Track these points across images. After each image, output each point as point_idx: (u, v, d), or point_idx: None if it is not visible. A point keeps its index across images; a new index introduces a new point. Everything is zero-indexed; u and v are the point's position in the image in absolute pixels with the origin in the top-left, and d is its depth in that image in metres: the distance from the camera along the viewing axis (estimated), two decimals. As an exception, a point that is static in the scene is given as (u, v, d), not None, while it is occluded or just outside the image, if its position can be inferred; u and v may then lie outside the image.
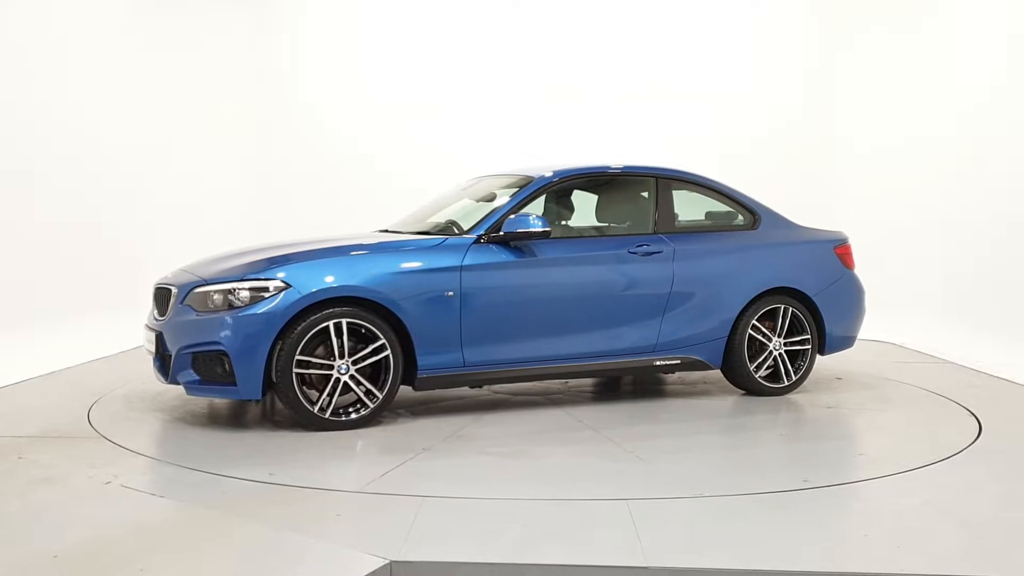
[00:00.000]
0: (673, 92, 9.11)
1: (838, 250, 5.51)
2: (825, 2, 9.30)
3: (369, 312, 4.36)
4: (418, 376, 4.50)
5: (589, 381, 5.68)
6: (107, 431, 4.31)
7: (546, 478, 3.60)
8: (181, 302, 4.42)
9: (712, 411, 4.90)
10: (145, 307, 4.87)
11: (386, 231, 5.30)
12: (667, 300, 4.97)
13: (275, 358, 4.23)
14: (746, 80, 9.18)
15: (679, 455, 3.98)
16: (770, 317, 5.23)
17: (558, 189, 5.21)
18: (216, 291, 4.33)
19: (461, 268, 4.54)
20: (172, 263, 5.17)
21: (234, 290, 4.29)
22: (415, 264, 4.50)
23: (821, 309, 5.29)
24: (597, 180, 5.42)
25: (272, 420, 4.61)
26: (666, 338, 5.00)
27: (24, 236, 6.73)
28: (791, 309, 5.22)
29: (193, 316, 4.34)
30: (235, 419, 4.65)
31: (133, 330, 7.35)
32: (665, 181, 5.27)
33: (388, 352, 4.38)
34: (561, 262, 4.83)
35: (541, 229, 4.62)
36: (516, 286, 4.69)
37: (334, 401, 4.32)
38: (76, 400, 5.03)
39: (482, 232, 4.70)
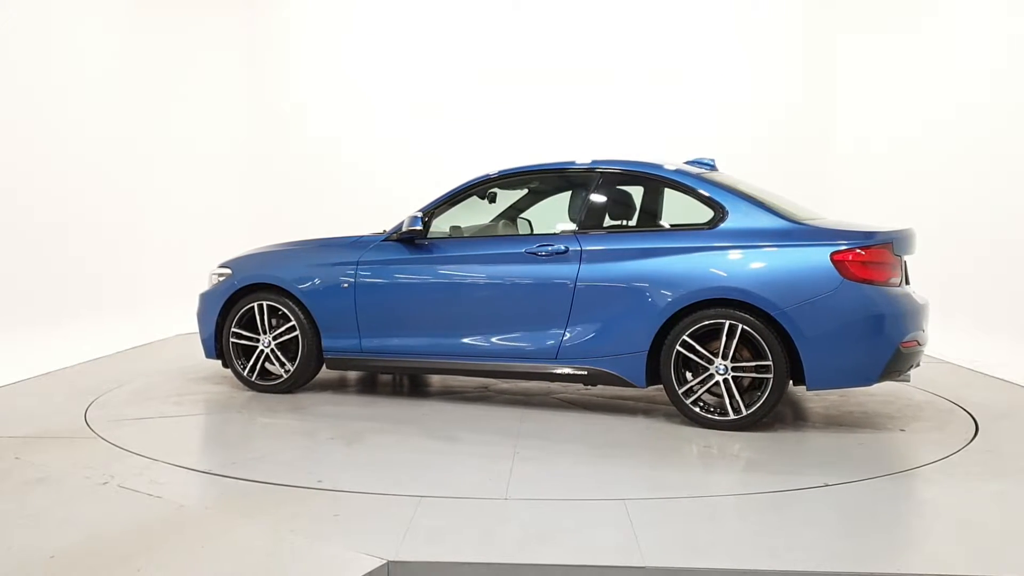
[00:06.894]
0: (670, 90, 9.13)
1: (838, 256, 4.18)
2: (822, 1, 9.33)
3: (286, 298, 5.15)
4: (325, 356, 5.13)
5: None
6: (104, 431, 4.31)
7: (541, 478, 3.60)
8: (208, 280, 5.58)
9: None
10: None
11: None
12: (570, 305, 4.58)
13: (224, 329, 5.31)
14: (743, 78, 9.19)
15: (677, 456, 3.99)
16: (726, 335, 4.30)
17: (499, 188, 5.19)
18: (210, 274, 5.55)
19: (357, 263, 5.06)
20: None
21: (212, 274, 5.51)
22: (324, 259, 5.17)
23: (790, 329, 4.17)
24: (540, 179, 5.30)
25: (269, 421, 4.61)
26: (571, 346, 4.58)
27: (21, 236, 6.71)
28: (739, 326, 4.26)
29: (203, 291, 5.52)
30: (231, 419, 4.65)
31: (129, 330, 7.37)
32: (609, 176, 4.87)
33: (298, 332, 5.10)
34: (451, 261, 4.93)
35: (416, 228, 4.93)
36: (404, 282, 4.98)
37: (257, 367, 5.23)
38: (73, 400, 5.03)
39: (395, 231, 5.07)
